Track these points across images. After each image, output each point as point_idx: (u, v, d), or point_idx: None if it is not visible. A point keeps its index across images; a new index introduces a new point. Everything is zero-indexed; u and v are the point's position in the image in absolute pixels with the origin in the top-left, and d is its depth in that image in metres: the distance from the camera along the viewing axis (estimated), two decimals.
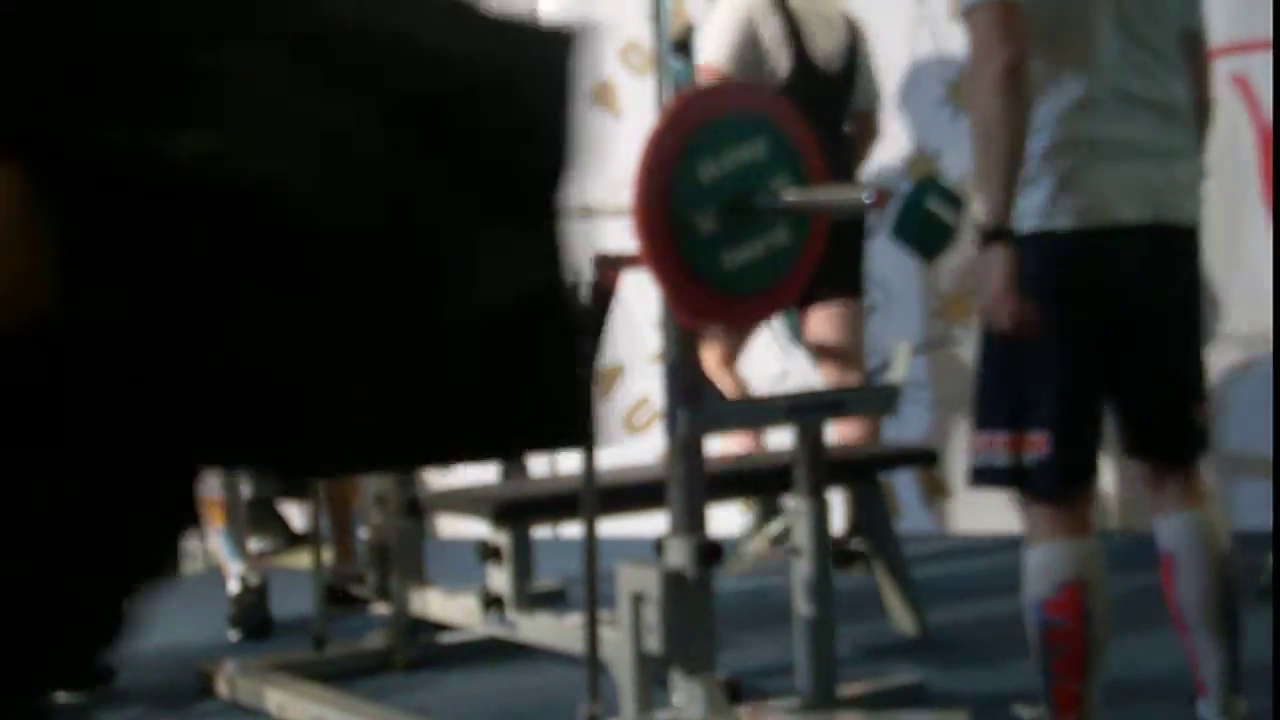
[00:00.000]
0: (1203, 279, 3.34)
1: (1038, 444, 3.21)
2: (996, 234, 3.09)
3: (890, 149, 6.27)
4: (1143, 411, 3.30)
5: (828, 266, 3.99)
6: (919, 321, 6.30)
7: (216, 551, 5.38)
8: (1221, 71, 6.03)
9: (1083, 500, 3.27)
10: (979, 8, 3.12)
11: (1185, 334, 3.28)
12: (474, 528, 4.95)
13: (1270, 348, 5.69)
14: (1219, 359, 6.11)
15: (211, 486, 5.11)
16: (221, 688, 4.53)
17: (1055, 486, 3.24)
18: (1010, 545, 6.07)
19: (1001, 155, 3.07)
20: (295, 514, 6.70)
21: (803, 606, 3.98)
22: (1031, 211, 3.15)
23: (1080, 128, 3.15)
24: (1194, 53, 3.32)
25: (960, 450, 6.25)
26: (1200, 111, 3.33)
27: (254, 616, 5.17)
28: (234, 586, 5.21)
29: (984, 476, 3.27)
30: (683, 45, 3.88)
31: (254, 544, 6.19)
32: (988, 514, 6.28)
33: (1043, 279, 3.13)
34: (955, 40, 6.20)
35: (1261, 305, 6.04)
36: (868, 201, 3.72)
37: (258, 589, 5.21)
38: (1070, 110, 3.16)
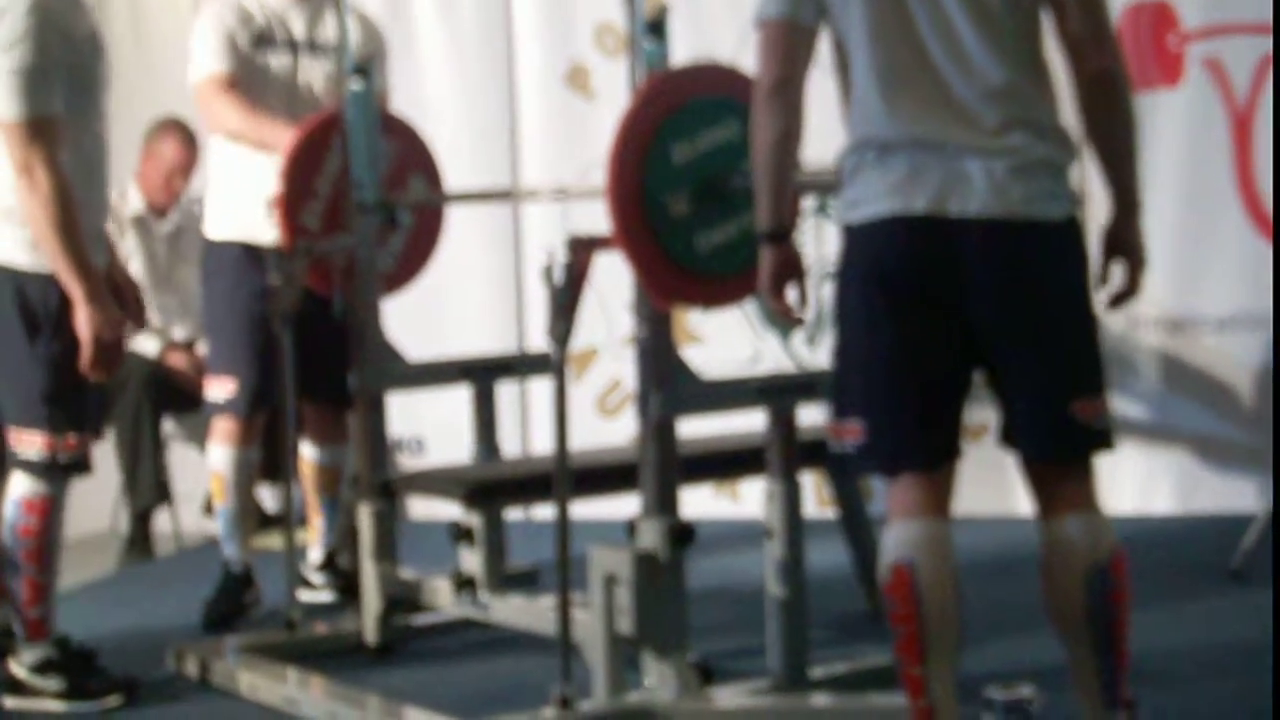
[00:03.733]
0: (1067, 272, 3.21)
1: (853, 431, 3.27)
2: (765, 236, 3.34)
3: None
4: (1008, 404, 3.27)
5: None
6: None
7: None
8: (1194, 55, 6.05)
9: (920, 476, 3.26)
10: (759, 26, 3.34)
11: (1034, 327, 3.19)
12: (446, 509, 4.95)
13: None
14: (1188, 340, 6.14)
15: (220, 461, 5.08)
16: (192, 670, 4.53)
17: (876, 466, 3.28)
18: (982, 527, 6.11)
19: (763, 165, 3.32)
20: (267, 496, 6.70)
21: (774, 587, 3.99)
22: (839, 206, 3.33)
23: (859, 130, 3.33)
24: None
25: None
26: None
27: (223, 609, 5.12)
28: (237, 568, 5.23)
29: (846, 462, 3.32)
30: (657, 27, 3.88)
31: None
32: (959, 496, 6.29)
33: (843, 270, 3.30)
34: None
35: (1234, 289, 6.07)
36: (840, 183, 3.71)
37: (240, 577, 5.18)
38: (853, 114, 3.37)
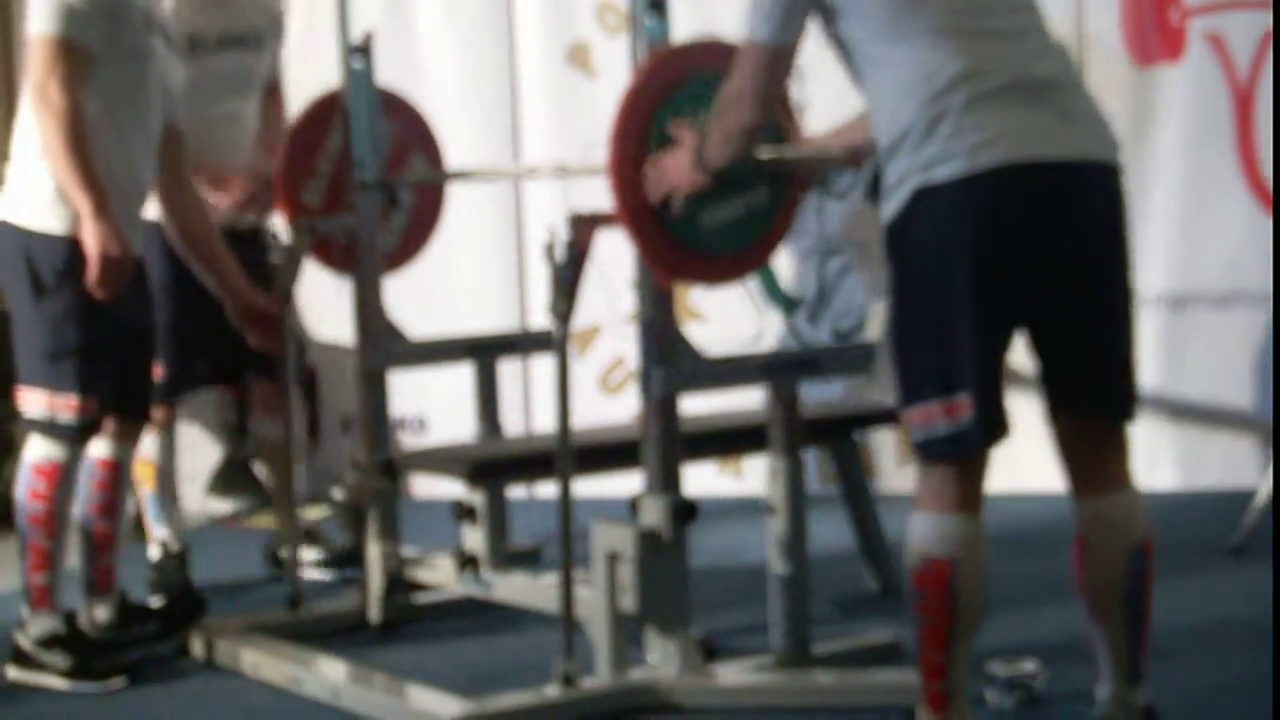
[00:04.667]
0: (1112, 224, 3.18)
1: (964, 407, 3.16)
2: (707, 169, 3.60)
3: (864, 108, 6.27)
4: (1071, 358, 3.19)
5: None
6: None
7: (142, 514, 5.32)
8: (1196, 30, 6.04)
9: (980, 470, 3.23)
10: (748, 43, 3.39)
11: (1094, 282, 3.16)
12: (449, 488, 4.95)
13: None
14: (1189, 316, 6.14)
15: (146, 446, 5.04)
16: (196, 648, 4.53)
17: (961, 451, 3.19)
18: (984, 504, 6.10)
19: (728, 138, 3.49)
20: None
21: (777, 564, 4.00)
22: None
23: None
24: None
25: None
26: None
27: (175, 583, 5.10)
28: (154, 553, 5.19)
29: (932, 449, 3.22)
30: (658, 4, 3.87)
31: (228, 505, 6.18)
32: None
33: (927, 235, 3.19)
34: None
35: (1235, 265, 6.06)
36: (842, 160, 3.72)
37: (179, 555, 5.17)
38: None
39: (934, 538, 3.20)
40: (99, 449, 4.41)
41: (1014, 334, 3.20)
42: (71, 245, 4.23)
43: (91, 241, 4.16)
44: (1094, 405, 3.22)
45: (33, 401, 4.28)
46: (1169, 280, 6.07)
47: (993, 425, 3.18)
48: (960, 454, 3.20)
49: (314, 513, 6.35)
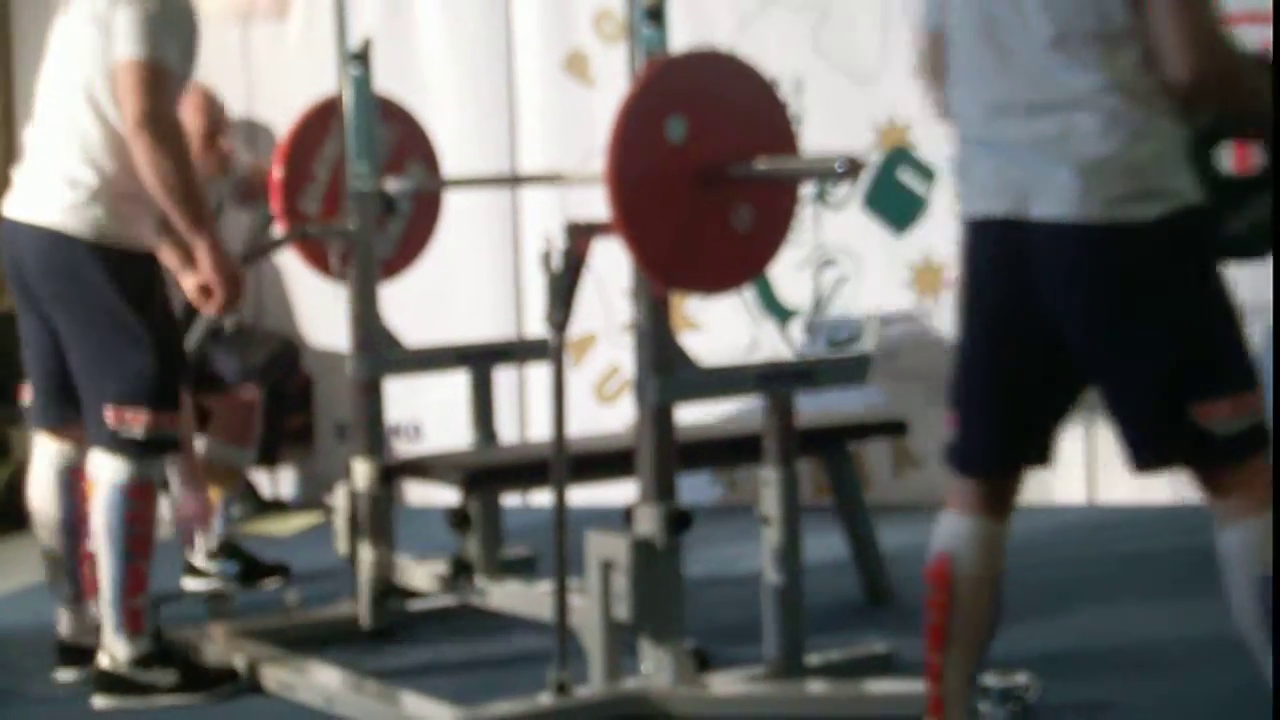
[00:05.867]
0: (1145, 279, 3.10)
1: (950, 422, 3.29)
2: None
3: (864, 120, 6.28)
4: (1114, 412, 3.22)
5: None
6: (889, 292, 6.31)
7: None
8: None
9: (980, 480, 3.26)
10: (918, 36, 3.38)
11: (1120, 336, 3.11)
12: (444, 495, 4.95)
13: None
14: None
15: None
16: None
17: (954, 463, 3.29)
18: None
19: None
20: (264, 482, 6.70)
21: (771, 575, 4.00)
22: None
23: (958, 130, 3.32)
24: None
25: (929, 421, 6.27)
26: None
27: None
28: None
29: (944, 452, 3.31)
30: (655, 13, 3.87)
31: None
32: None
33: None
34: None
35: (1234, 279, 6.06)
36: (840, 171, 3.72)
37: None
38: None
39: (941, 532, 3.27)
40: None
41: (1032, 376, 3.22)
42: (154, 263, 4.25)
43: (208, 263, 4.17)
44: (1134, 458, 3.20)
45: (133, 421, 4.15)
46: None
47: (967, 452, 3.26)
48: (951, 463, 3.30)
49: (305, 519, 6.36)
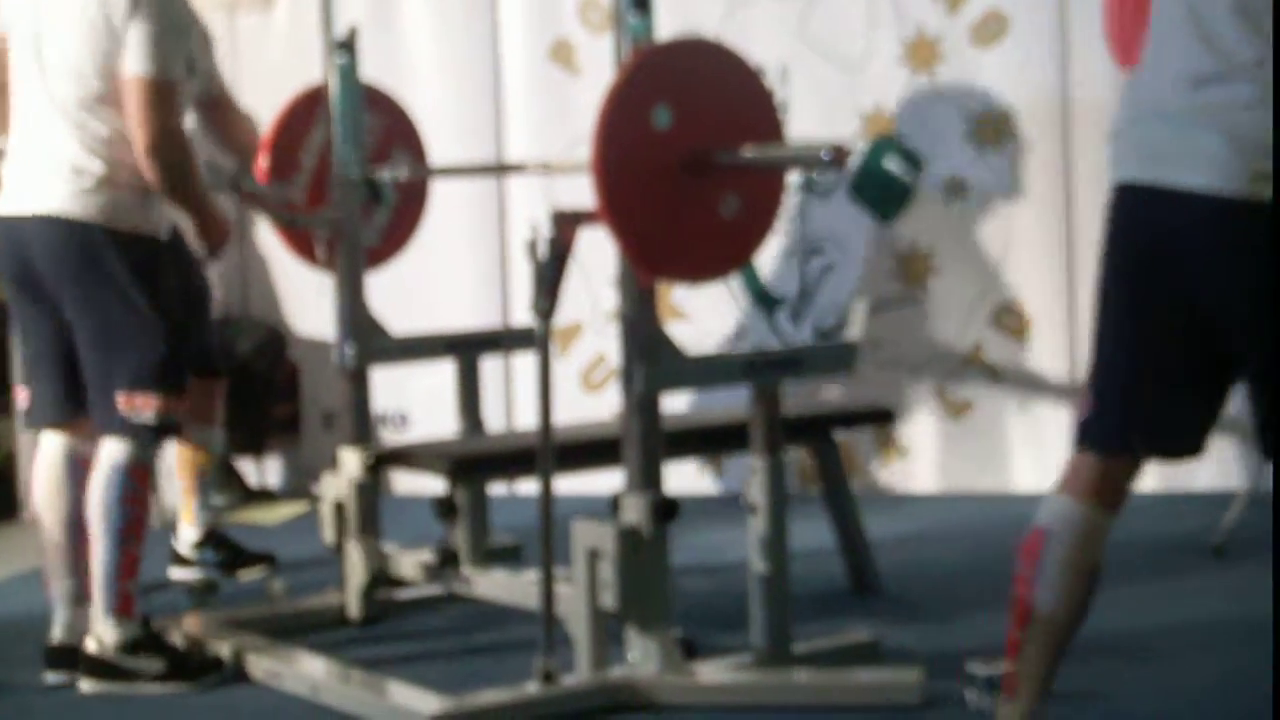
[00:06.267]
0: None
1: (1087, 398, 3.19)
2: None
3: (850, 109, 6.28)
4: (1255, 400, 3.13)
5: None
6: (875, 280, 6.31)
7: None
8: None
9: (1103, 458, 3.17)
10: None
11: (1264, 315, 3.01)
12: (430, 484, 4.94)
13: None
14: None
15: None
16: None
17: (1082, 438, 3.19)
18: (965, 504, 6.12)
19: None
20: (251, 470, 6.70)
21: (758, 563, 4.00)
22: None
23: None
24: None
25: (917, 409, 6.28)
26: None
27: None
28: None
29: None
30: (641, 2, 3.87)
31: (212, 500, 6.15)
32: (944, 473, 6.31)
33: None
34: (912, 1, 6.21)
35: None
36: (826, 159, 3.72)
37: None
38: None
39: (1044, 510, 3.22)
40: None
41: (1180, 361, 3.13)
42: (166, 248, 4.32)
43: (213, 235, 4.44)
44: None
45: (144, 406, 4.19)
46: None
47: (1097, 426, 3.18)
48: (1079, 438, 3.20)
49: (291, 509, 6.36)
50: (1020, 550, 3.20)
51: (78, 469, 4.33)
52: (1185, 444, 3.18)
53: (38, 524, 4.40)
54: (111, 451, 4.22)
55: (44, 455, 4.39)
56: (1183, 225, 3.04)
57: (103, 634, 4.21)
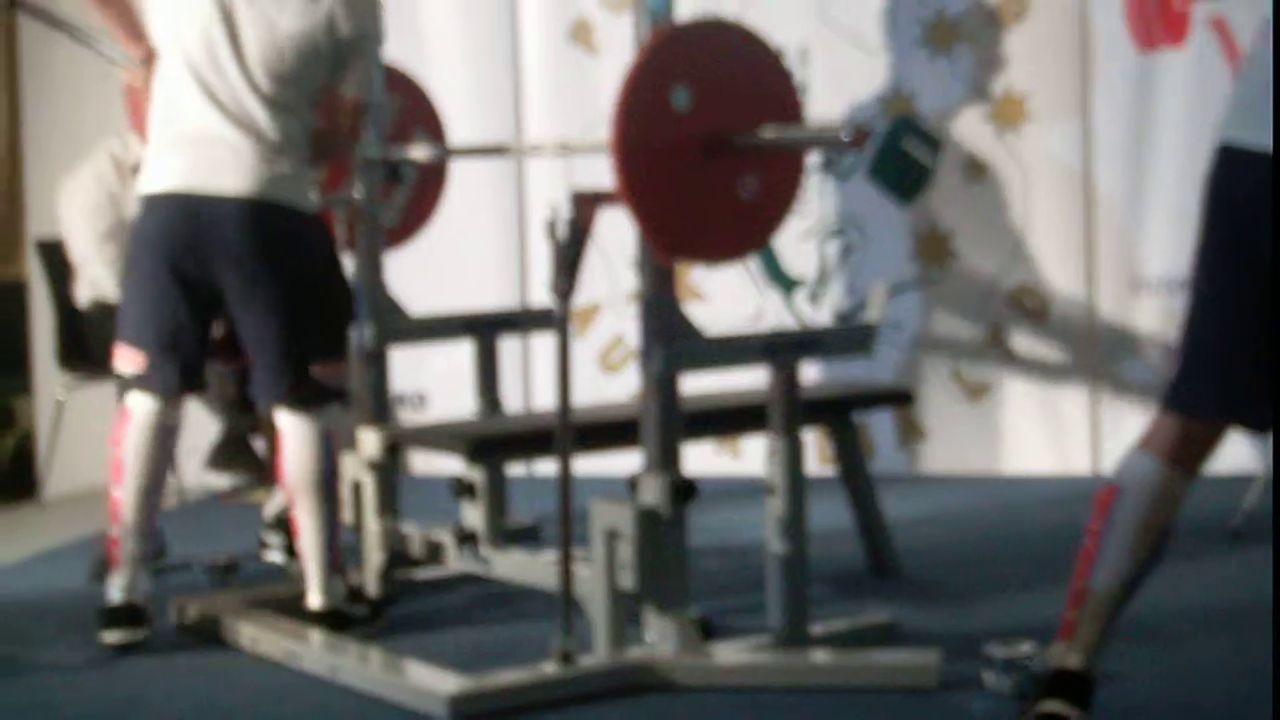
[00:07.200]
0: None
1: (1176, 358, 3.21)
2: None
3: (867, 89, 6.27)
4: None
5: None
6: (895, 262, 6.30)
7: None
8: (1199, 15, 6.03)
9: (1187, 421, 3.18)
10: None
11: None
12: (448, 464, 4.94)
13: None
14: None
15: None
16: (194, 622, 4.53)
17: (1168, 399, 3.21)
18: (983, 486, 6.11)
19: None
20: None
21: (775, 544, 4.00)
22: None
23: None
24: None
25: (934, 391, 6.27)
26: None
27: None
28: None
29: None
30: None
31: (226, 480, 6.17)
32: (963, 456, 6.30)
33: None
34: None
35: None
36: (845, 140, 3.71)
37: None
38: None
39: (1122, 465, 3.24)
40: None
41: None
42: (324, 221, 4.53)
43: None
44: None
45: (339, 374, 4.44)
46: (1170, 265, 6.06)
47: (1185, 388, 3.18)
48: (1165, 399, 3.22)
49: None
50: (1094, 501, 3.22)
51: (169, 437, 4.44)
52: (1263, 415, 3.16)
53: (119, 485, 4.41)
54: (320, 417, 4.40)
55: (138, 420, 4.40)
56: (1255, 186, 3.05)
57: (329, 591, 4.41)
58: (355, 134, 4.48)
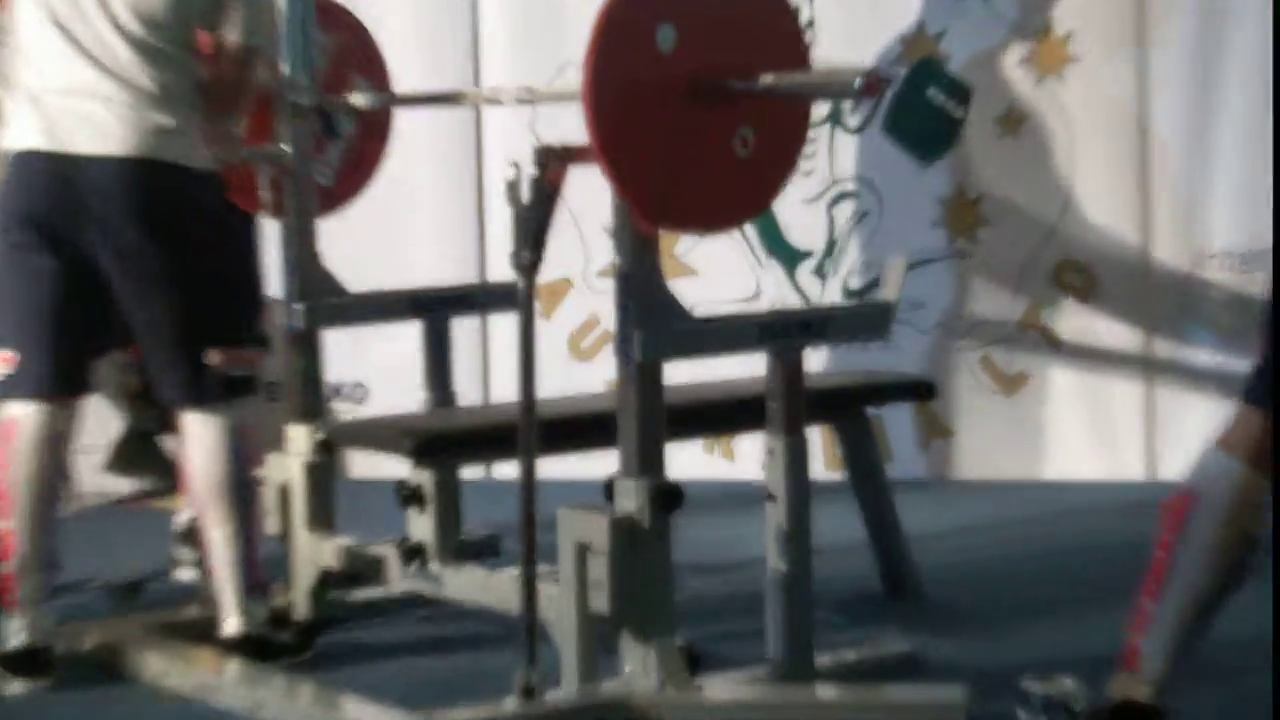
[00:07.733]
0: None
1: (1258, 345, 3.27)
2: None
3: (887, 29, 6.27)
4: None
5: None
6: (916, 230, 6.32)
7: None
8: None
9: (1265, 425, 3.21)
10: None
11: None
12: (392, 466, 4.96)
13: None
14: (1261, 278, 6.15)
15: None
16: (91, 651, 4.54)
17: (1250, 392, 3.25)
18: (1018, 493, 6.13)
19: None
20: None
21: (776, 560, 4.01)
22: None
23: None
24: None
25: (964, 382, 6.28)
26: None
27: None
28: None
29: None
30: None
31: (129, 485, 6.17)
32: (995, 458, 6.32)
33: None
34: None
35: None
36: (858, 88, 3.72)
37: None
38: None
39: (1196, 469, 3.28)
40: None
41: None
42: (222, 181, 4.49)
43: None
44: None
45: (247, 361, 4.46)
46: (1242, 233, 6.07)
47: (1264, 385, 3.23)
48: (1246, 392, 3.27)
49: None
50: (1165, 510, 3.23)
51: (59, 446, 4.42)
52: None
53: (7, 516, 4.38)
54: (225, 414, 4.40)
55: (22, 434, 4.37)
56: None
57: (247, 614, 4.42)
58: (242, 84, 4.46)
